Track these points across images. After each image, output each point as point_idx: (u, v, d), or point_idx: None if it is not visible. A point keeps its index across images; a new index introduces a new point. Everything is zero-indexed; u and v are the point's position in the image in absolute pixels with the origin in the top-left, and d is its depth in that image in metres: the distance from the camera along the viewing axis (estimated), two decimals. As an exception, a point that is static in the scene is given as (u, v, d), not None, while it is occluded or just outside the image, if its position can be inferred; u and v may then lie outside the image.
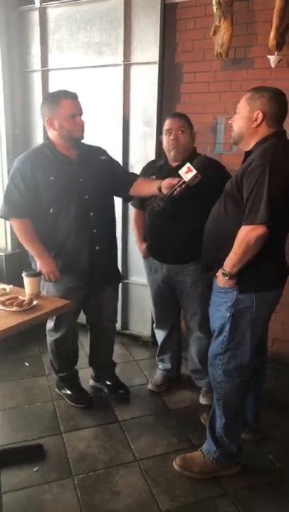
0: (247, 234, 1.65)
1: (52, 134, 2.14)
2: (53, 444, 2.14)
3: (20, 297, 1.85)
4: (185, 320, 2.51)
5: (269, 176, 1.59)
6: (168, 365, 2.66)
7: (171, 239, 2.28)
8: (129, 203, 2.50)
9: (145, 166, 2.50)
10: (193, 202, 2.08)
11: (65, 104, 2.06)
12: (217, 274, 1.81)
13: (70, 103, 2.07)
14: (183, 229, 2.19)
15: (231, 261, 1.72)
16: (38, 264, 2.17)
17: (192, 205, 2.10)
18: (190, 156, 2.24)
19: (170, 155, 2.24)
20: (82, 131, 2.13)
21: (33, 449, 2.07)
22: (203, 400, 2.51)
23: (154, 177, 2.23)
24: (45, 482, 1.91)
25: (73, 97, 2.10)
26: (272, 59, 2.39)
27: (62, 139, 2.12)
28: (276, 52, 2.39)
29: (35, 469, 1.97)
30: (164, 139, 2.25)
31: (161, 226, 2.31)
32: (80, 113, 2.12)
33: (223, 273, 1.75)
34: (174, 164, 2.25)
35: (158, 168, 2.32)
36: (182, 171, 2.00)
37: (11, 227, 3.27)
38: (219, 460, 1.94)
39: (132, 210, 2.57)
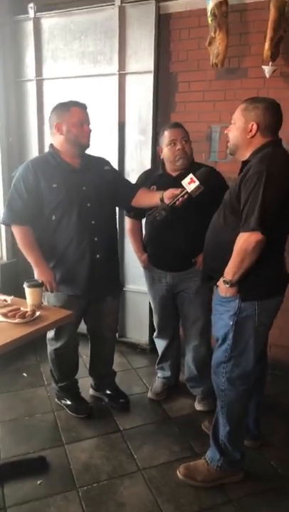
0: (244, 241, 1.67)
1: (58, 140, 2.15)
2: (56, 455, 2.13)
3: (22, 308, 1.84)
4: (184, 328, 2.52)
5: (265, 182, 1.61)
6: (167, 373, 2.67)
7: (174, 247, 2.29)
8: (124, 214, 2.50)
9: (142, 176, 2.50)
10: (195, 210, 2.09)
11: (74, 111, 2.11)
12: (218, 284, 1.83)
13: (79, 111, 2.12)
14: (186, 237, 2.21)
15: (231, 269, 1.73)
16: (36, 274, 2.17)
17: (194, 214, 2.12)
18: (191, 165, 2.26)
19: (177, 164, 2.25)
20: (89, 138, 2.16)
21: (35, 462, 2.06)
22: (198, 406, 2.52)
23: (155, 187, 2.24)
24: (49, 495, 1.89)
25: (83, 106, 2.15)
26: (267, 69, 2.43)
27: (69, 145, 2.13)
28: (270, 63, 2.43)
29: (38, 482, 1.95)
30: (168, 149, 2.25)
31: (163, 235, 2.32)
32: (88, 123, 2.16)
33: (224, 281, 1.77)
34: (174, 174, 2.27)
35: (157, 177, 2.33)
36: (185, 182, 2.02)
37: (7, 236, 3.29)
38: (223, 468, 1.94)
39: (127, 222, 2.56)
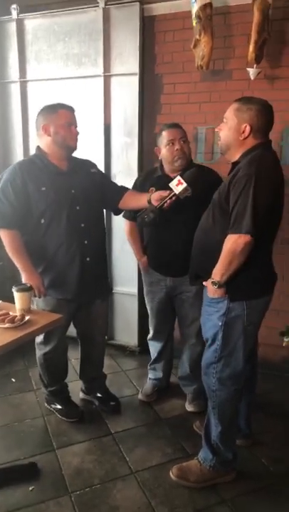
0: (233, 243, 1.68)
1: (45, 142, 2.13)
2: (47, 461, 2.10)
3: (11, 313, 1.82)
4: (181, 327, 2.52)
5: (254, 185, 1.63)
6: (159, 374, 2.67)
7: (173, 252, 2.28)
8: (122, 216, 2.49)
9: (141, 178, 2.49)
10: (196, 212, 2.08)
11: (62, 113, 2.10)
12: (206, 284, 1.83)
13: (67, 113, 2.12)
14: (185, 241, 2.20)
15: (219, 270, 1.75)
16: (24, 279, 2.14)
17: (193, 216, 2.11)
18: (189, 165, 2.26)
19: (175, 165, 2.24)
20: (76, 140, 2.15)
21: (27, 468, 2.03)
22: (189, 407, 2.53)
23: (154, 188, 2.22)
24: (41, 501, 1.87)
25: (71, 109, 2.15)
26: (252, 71, 2.46)
27: (56, 146, 2.12)
28: (255, 65, 2.45)
29: (30, 488, 1.93)
30: (166, 149, 2.24)
31: (163, 238, 2.31)
32: (76, 125, 2.15)
33: (212, 282, 1.78)
34: (173, 175, 2.24)
35: (156, 179, 2.32)
36: (173, 184, 2.02)
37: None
38: (216, 468, 1.95)
39: (124, 223, 2.54)
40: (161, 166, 2.34)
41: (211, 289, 1.80)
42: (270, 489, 1.97)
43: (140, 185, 2.38)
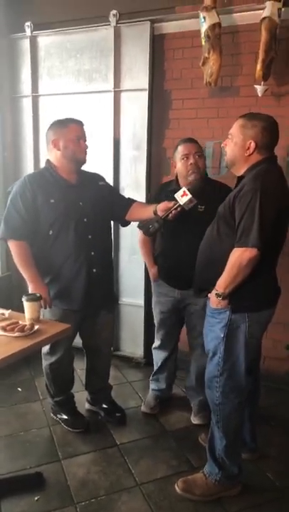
0: (239, 256, 1.70)
1: (55, 155, 2.18)
2: (52, 471, 2.11)
3: (20, 322, 1.85)
4: (189, 338, 2.53)
5: (260, 200, 1.65)
6: (162, 385, 2.67)
7: (183, 264, 2.29)
8: (136, 226, 2.52)
9: (156, 191, 2.55)
10: (206, 225, 2.09)
11: (72, 128, 2.15)
12: (210, 296, 1.85)
13: (76, 128, 2.17)
14: (195, 253, 2.22)
15: (224, 282, 1.77)
16: (30, 289, 2.16)
17: (205, 229, 2.13)
18: (203, 179, 2.29)
19: (189, 179, 2.27)
20: (86, 154, 2.19)
21: (32, 478, 2.03)
22: (195, 420, 2.53)
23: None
24: (47, 511, 1.87)
25: (80, 123, 2.20)
26: (259, 88, 2.51)
27: (66, 160, 2.16)
28: (262, 82, 2.51)
29: (36, 498, 1.93)
30: (181, 163, 2.29)
31: (173, 252, 2.35)
32: (85, 139, 2.20)
33: (216, 294, 1.80)
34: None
35: (171, 192, 2.34)
36: (178, 195, 2.06)
37: (1, 250, 3.29)
38: (221, 481, 1.95)
39: (138, 233, 2.56)
40: (177, 179, 2.39)
41: (214, 301, 1.83)
42: (276, 503, 1.96)
43: (155, 198, 2.42)
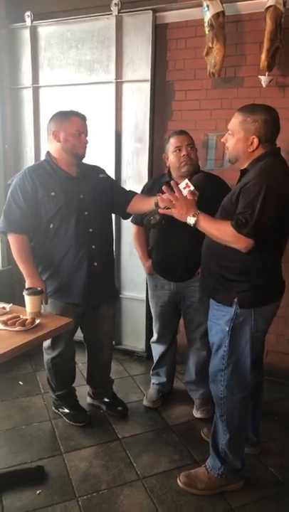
0: (233, 236, 1.65)
1: (55, 147, 2.15)
2: (54, 465, 2.10)
3: (21, 316, 1.83)
4: (187, 332, 2.53)
5: (264, 195, 1.62)
6: (163, 379, 2.66)
7: (176, 257, 2.31)
8: (130, 220, 2.51)
9: (149, 183, 2.53)
10: None
11: (74, 120, 2.12)
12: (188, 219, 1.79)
13: (78, 121, 2.14)
14: (189, 246, 2.21)
15: (206, 225, 1.75)
16: (27, 284, 2.14)
17: None
18: (196, 171, 2.27)
19: (182, 171, 2.25)
20: (85, 149, 2.17)
21: (34, 472, 2.03)
22: (197, 414, 2.52)
23: (161, 194, 2.23)
24: (48, 505, 1.87)
25: (83, 117, 2.16)
26: (264, 79, 2.47)
27: (65, 153, 2.14)
28: (267, 73, 2.46)
29: (37, 492, 1.93)
30: (173, 156, 2.27)
31: (168, 242, 2.33)
32: (86, 133, 2.17)
33: (189, 218, 1.76)
34: (180, 181, 2.26)
35: (164, 184, 2.33)
36: (181, 187, 2.03)
37: (2, 244, 3.27)
38: (224, 476, 1.94)
39: (132, 227, 2.58)
40: (169, 172, 2.37)
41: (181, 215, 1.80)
42: (279, 498, 1.95)
43: (148, 191, 2.41)
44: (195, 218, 1.75)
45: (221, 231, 1.71)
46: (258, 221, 1.62)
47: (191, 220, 1.76)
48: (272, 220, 1.66)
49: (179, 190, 1.88)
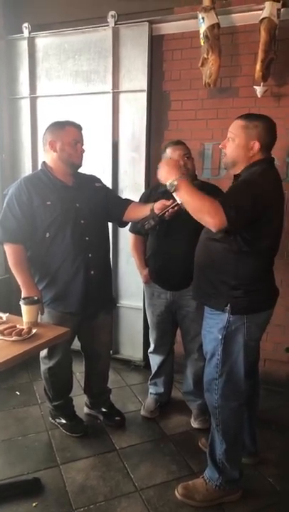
0: (211, 208, 1.61)
1: (51, 157, 2.16)
2: (51, 476, 2.08)
3: (18, 326, 1.83)
4: (184, 342, 2.52)
5: (252, 189, 1.65)
6: (161, 389, 2.65)
7: (173, 266, 2.31)
8: (128, 229, 2.52)
9: (146, 192, 2.54)
10: (195, 227, 2.09)
11: (69, 130, 2.14)
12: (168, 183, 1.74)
13: (74, 130, 2.16)
14: (185, 255, 2.21)
15: (187, 194, 1.69)
16: (23, 294, 2.13)
17: (194, 231, 2.12)
18: (192, 181, 2.28)
19: None
20: (82, 158, 2.18)
21: (30, 483, 2.01)
22: (195, 424, 2.51)
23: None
24: (45, 517, 1.85)
25: (78, 127, 2.18)
26: (259, 89, 2.50)
27: (62, 163, 2.15)
28: (262, 83, 2.49)
29: (34, 504, 1.91)
30: None
31: (165, 251, 2.34)
32: (82, 143, 2.18)
33: (171, 183, 1.71)
34: None
35: (160, 194, 2.33)
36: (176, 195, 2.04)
37: (0, 253, 3.27)
38: (222, 486, 1.92)
39: (130, 236, 2.58)
40: None
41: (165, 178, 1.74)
42: (277, 508, 1.93)
43: (145, 200, 2.41)
44: (176, 182, 1.69)
45: (201, 198, 1.66)
46: (241, 209, 1.62)
47: (173, 182, 1.70)
48: (250, 213, 1.64)
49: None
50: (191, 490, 1.95)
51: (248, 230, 1.71)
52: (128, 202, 2.33)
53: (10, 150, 3.31)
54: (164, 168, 1.77)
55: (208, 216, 1.63)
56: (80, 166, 2.20)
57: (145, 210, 2.16)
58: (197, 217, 1.68)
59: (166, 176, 1.75)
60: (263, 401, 2.22)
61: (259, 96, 2.54)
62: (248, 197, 1.64)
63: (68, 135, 2.13)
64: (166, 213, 2.05)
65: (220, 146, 1.89)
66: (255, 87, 2.52)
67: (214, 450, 1.94)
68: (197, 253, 1.93)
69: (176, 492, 1.97)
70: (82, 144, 2.18)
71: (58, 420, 2.45)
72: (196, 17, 2.54)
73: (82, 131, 2.20)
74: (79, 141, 2.16)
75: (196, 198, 1.68)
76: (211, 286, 1.83)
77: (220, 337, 1.81)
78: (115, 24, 2.85)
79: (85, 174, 2.30)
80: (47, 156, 2.19)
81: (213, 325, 1.85)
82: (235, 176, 1.84)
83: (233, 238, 1.72)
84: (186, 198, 1.70)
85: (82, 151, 2.18)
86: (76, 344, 2.45)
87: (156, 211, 2.08)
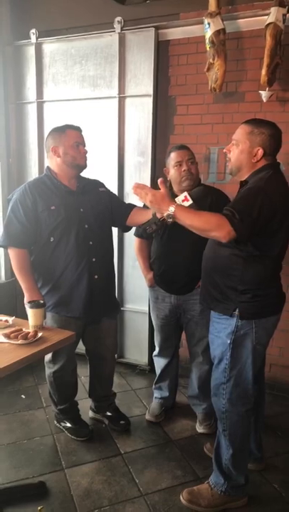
0: (215, 223, 1.61)
1: (55, 163, 2.18)
2: (56, 480, 2.08)
3: (24, 329, 1.83)
4: (189, 345, 2.52)
5: (261, 196, 1.64)
6: (165, 393, 2.65)
7: (177, 270, 2.32)
8: (133, 233, 2.53)
9: None
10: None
11: (70, 133, 2.16)
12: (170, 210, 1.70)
13: (74, 133, 2.18)
14: (189, 259, 2.22)
15: (184, 213, 1.68)
16: (26, 298, 2.14)
17: (196, 234, 2.14)
18: (196, 185, 2.29)
19: (182, 185, 2.27)
20: (86, 159, 2.20)
21: (36, 487, 2.01)
22: (200, 429, 2.50)
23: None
24: (50, 522, 1.85)
25: (78, 129, 2.21)
26: (264, 94, 2.50)
27: (67, 167, 2.16)
28: (267, 88, 2.49)
29: (39, 508, 1.90)
30: (174, 170, 2.29)
31: (167, 258, 2.34)
32: (84, 144, 2.20)
33: (168, 215, 1.68)
34: None
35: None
36: (179, 199, 2.03)
37: (5, 257, 3.29)
38: (227, 492, 1.91)
39: (134, 240, 2.59)
40: (170, 186, 2.38)
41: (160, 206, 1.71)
42: (283, 516, 1.92)
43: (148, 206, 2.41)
44: (172, 213, 1.67)
45: (203, 217, 1.65)
46: (252, 219, 1.61)
47: (170, 214, 1.67)
48: (257, 221, 1.63)
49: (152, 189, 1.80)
50: (196, 495, 1.94)
51: (258, 236, 1.70)
52: (131, 206, 2.34)
53: (17, 154, 3.34)
54: (153, 205, 1.74)
55: (214, 231, 1.64)
56: (85, 167, 2.21)
57: (148, 215, 2.17)
58: (206, 236, 1.70)
59: (159, 210, 1.77)
60: (268, 407, 2.21)
61: (265, 101, 2.54)
62: (254, 204, 1.63)
63: (69, 138, 2.15)
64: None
65: (224, 150, 1.89)
66: (260, 91, 2.53)
67: (220, 455, 1.93)
68: (205, 258, 1.93)
69: (181, 497, 1.96)
70: (84, 145, 2.20)
71: (63, 424, 2.45)
72: (201, 22, 2.56)
73: (89, 135, 2.22)
74: (80, 142, 2.18)
75: (196, 219, 1.68)
76: (219, 291, 1.83)
77: (228, 342, 1.81)
78: (121, 30, 2.87)
79: (89, 179, 2.32)
80: (51, 162, 2.21)
81: (221, 329, 1.84)
82: (241, 182, 1.84)
83: (244, 244, 1.73)
84: (187, 222, 1.69)
85: (85, 152, 2.20)
86: (81, 348, 2.45)
87: (158, 215, 2.09)
